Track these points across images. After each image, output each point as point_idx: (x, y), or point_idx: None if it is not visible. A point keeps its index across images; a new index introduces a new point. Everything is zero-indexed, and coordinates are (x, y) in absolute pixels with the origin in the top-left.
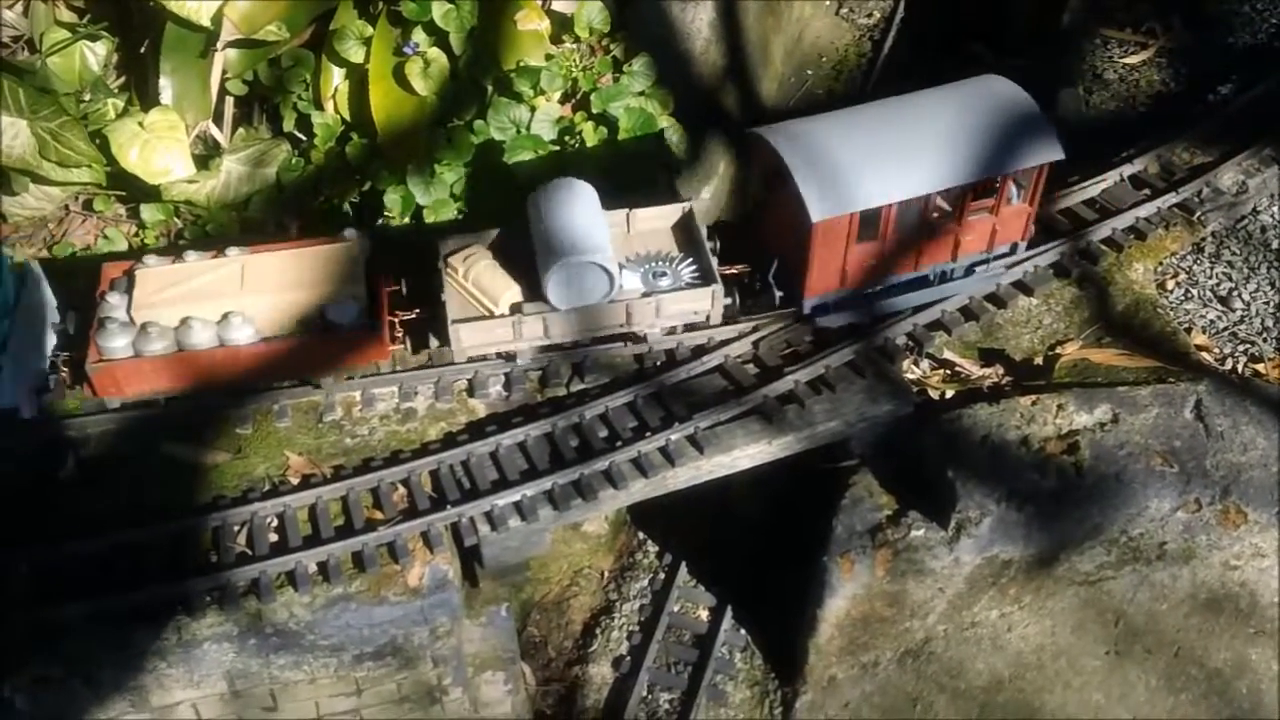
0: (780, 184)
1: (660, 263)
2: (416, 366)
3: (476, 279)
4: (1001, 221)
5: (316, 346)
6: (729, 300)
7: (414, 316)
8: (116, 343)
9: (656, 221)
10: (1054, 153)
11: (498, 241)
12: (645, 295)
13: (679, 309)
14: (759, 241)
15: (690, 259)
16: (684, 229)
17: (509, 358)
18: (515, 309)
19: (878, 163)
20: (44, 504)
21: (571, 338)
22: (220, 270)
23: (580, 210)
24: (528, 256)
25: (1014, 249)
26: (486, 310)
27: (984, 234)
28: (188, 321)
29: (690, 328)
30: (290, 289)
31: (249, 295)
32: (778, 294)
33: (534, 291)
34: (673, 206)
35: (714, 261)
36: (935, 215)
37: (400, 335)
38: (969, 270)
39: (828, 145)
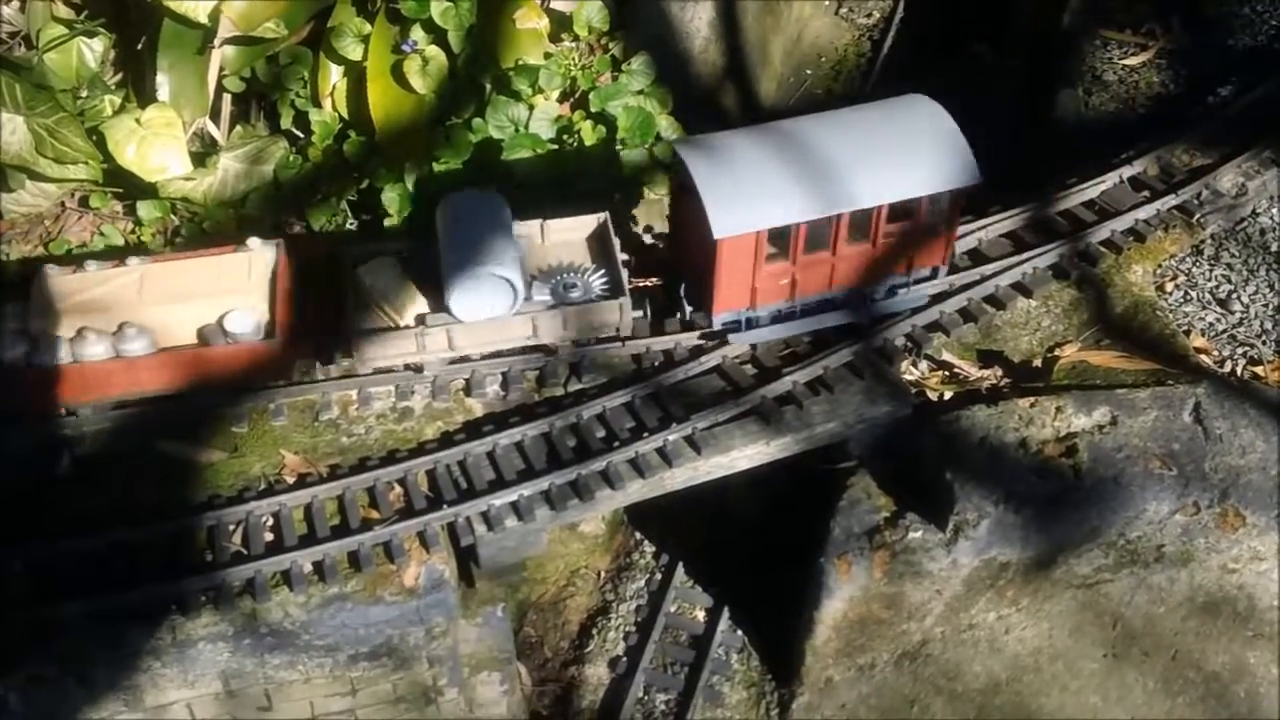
0: (691, 199)
1: (572, 275)
2: (325, 378)
3: (381, 290)
4: (920, 244)
5: (214, 358)
6: (639, 313)
7: (321, 328)
8: (11, 354)
9: (571, 232)
10: (971, 177)
11: (407, 251)
12: (552, 308)
13: (588, 321)
14: (677, 255)
15: (603, 271)
16: (600, 240)
17: (417, 369)
18: (420, 321)
19: (789, 181)
20: (39, 502)
21: (478, 350)
22: (119, 280)
23: (487, 222)
24: (436, 267)
25: (935, 273)
26: (392, 321)
27: (902, 256)
28: (83, 333)
29: (602, 341)
30: (189, 299)
31: (147, 306)
32: (687, 309)
33: (440, 303)
34: (588, 217)
35: (625, 274)
36: (849, 236)
37: (311, 345)
38: (891, 292)
39: (741, 161)
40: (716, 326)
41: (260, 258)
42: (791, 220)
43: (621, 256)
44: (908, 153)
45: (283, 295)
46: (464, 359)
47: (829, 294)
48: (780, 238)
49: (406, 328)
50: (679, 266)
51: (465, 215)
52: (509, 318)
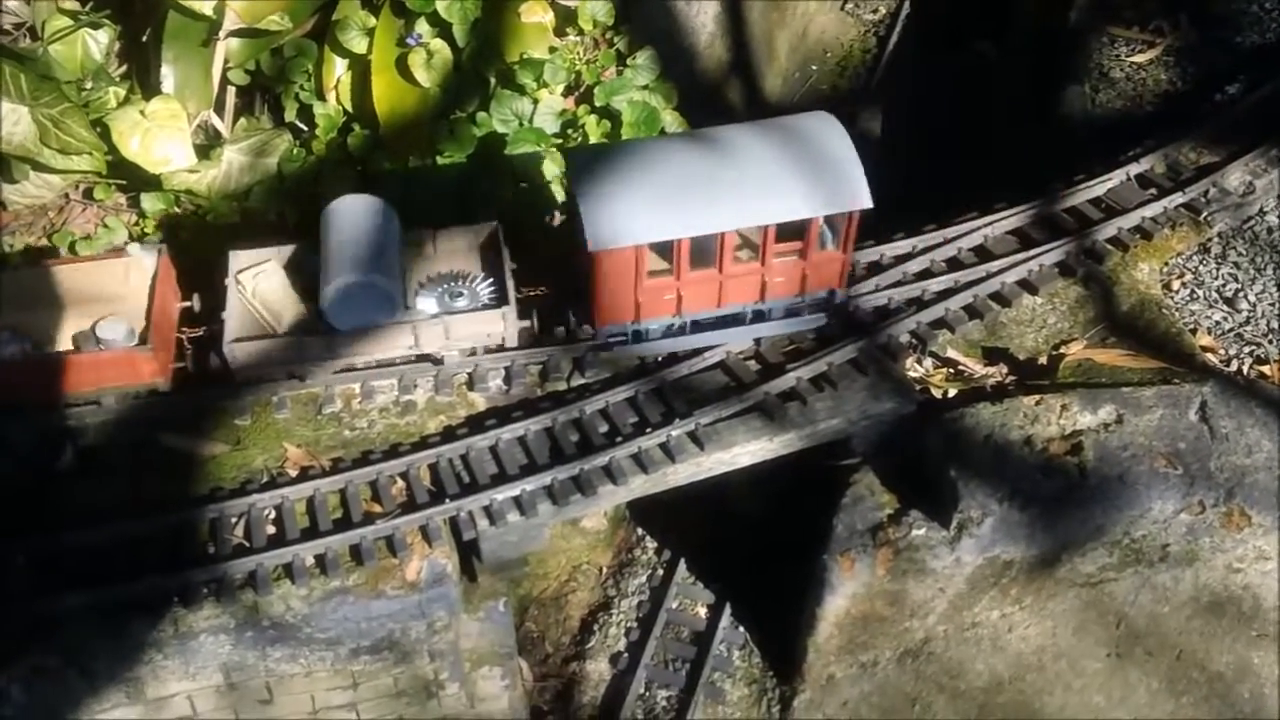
0: (576, 209)
1: (460, 283)
2: (202, 386)
3: (264, 296)
4: (812, 266)
5: (86, 364)
6: (527, 323)
7: (201, 334)
8: None
9: (462, 241)
10: (862, 201)
11: (293, 258)
12: (433, 317)
13: (470, 331)
14: (570, 265)
15: (491, 280)
16: (490, 249)
17: (300, 378)
18: (299, 328)
19: (673, 196)
20: (42, 495)
21: (359, 359)
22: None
23: (369, 229)
24: (318, 274)
25: (832, 295)
26: (271, 329)
27: (794, 277)
28: None
29: (490, 350)
30: (64, 305)
31: (23, 311)
32: (572, 320)
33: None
34: (479, 226)
35: (512, 283)
36: (736, 254)
37: (189, 353)
38: (790, 311)
39: (627, 174)
40: (601, 339)
41: (139, 265)
42: (672, 236)
43: (511, 266)
44: (800, 173)
45: (160, 302)
46: (349, 368)
47: (723, 310)
48: (664, 253)
49: (284, 335)
50: (573, 276)
51: (348, 222)
52: (389, 327)
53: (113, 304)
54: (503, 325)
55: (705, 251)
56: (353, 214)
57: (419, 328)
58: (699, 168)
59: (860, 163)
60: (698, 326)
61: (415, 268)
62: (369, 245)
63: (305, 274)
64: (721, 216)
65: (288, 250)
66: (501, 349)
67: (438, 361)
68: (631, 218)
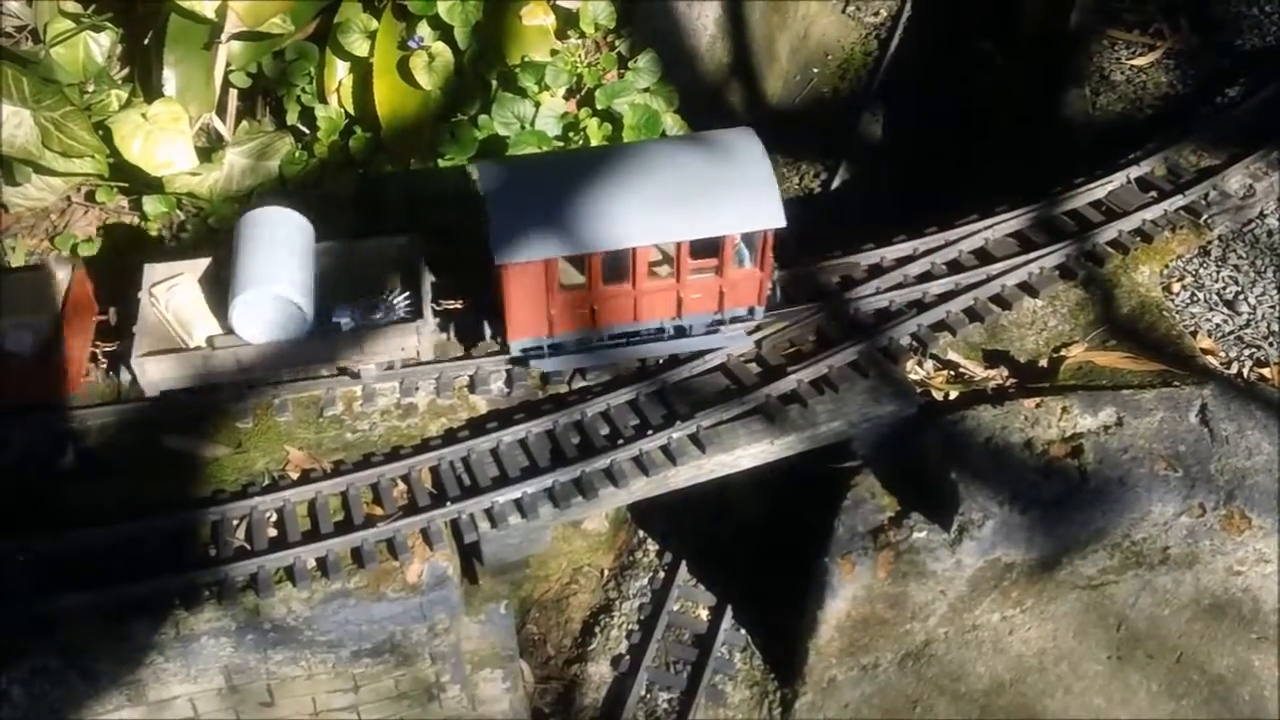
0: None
1: (377, 297)
2: (102, 402)
3: (176, 309)
4: (729, 284)
5: None
6: (444, 336)
7: (116, 347)
8: None
9: (383, 253)
10: (775, 220)
11: (209, 270)
12: (347, 331)
13: (385, 345)
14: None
15: (408, 293)
16: (409, 261)
17: (213, 391)
18: (209, 342)
19: (584, 211)
20: (44, 496)
21: (271, 373)
22: None
23: (281, 241)
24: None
25: (751, 313)
26: (183, 342)
27: (711, 294)
28: None
29: (408, 364)
30: None
31: None
32: (487, 332)
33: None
34: (399, 237)
35: (429, 296)
36: (655, 270)
37: (103, 365)
38: (712, 328)
39: (539, 188)
40: (516, 352)
41: (53, 278)
42: (581, 251)
43: (431, 279)
44: (715, 191)
45: (71, 315)
46: (263, 381)
47: (641, 325)
48: (577, 267)
49: (195, 349)
50: (488, 288)
51: (259, 234)
52: (300, 340)
53: (15, 316)
54: (417, 338)
55: (619, 266)
56: (265, 226)
57: (332, 341)
58: (614, 182)
59: (776, 182)
60: (616, 340)
61: (334, 280)
62: (279, 258)
63: (219, 286)
64: (633, 232)
65: (203, 263)
66: (419, 363)
67: (354, 375)
68: (541, 231)
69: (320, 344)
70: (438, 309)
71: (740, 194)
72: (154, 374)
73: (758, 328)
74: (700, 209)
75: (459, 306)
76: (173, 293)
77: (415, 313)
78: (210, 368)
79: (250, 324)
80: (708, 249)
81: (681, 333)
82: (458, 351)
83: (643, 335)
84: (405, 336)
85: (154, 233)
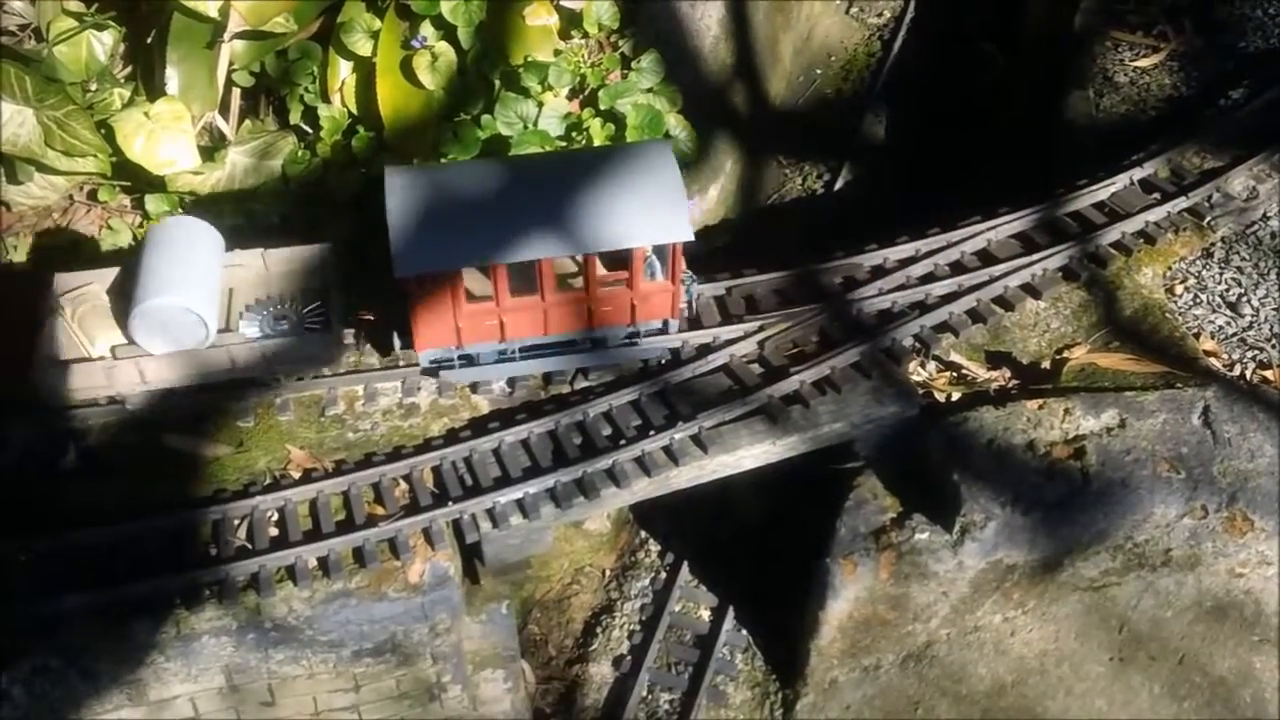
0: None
1: (285, 306)
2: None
3: (81, 320)
4: (640, 296)
5: None
6: (356, 346)
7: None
8: None
9: (295, 263)
10: (682, 234)
11: (116, 280)
12: (251, 341)
13: (293, 355)
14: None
15: (319, 303)
16: (323, 270)
17: (120, 402)
18: (113, 352)
19: (488, 222)
20: (44, 495)
21: (177, 383)
22: None
23: (185, 251)
24: None
25: (666, 326)
26: (87, 353)
27: (623, 307)
28: None
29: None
30: None
31: None
32: (397, 344)
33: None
34: (311, 247)
35: (339, 306)
36: (559, 282)
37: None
38: (629, 340)
39: (443, 197)
40: (425, 364)
41: None
42: (485, 262)
43: (343, 288)
44: (622, 203)
45: None
46: (173, 391)
47: (553, 337)
48: (484, 279)
49: (99, 359)
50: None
51: (165, 244)
52: (204, 351)
53: None
54: (324, 349)
55: (526, 278)
56: (170, 237)
57: (235, 351)
58: (522, 193)
59: (685, 196)
60: (529, 353)
61: (245, 290)
62: (180, 268)
63: (126, 297)
64: (540, 243)
65: (112, 273)
66: (330, 374)
67: (265, 385)
68: (444, 242)
69: (219, 354)
70: (352, 319)
71: (648, 207)
72: (60, 384)
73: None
74: (608, 221)
75: (370, 317)
76: (79, 303)
77: (324, 323)
78: (113, 379)
79: (150, 335)
80: (617, 262)
81: (598, 345)
82: (373, 362)
83: (557, 347)
84: (313, 347)
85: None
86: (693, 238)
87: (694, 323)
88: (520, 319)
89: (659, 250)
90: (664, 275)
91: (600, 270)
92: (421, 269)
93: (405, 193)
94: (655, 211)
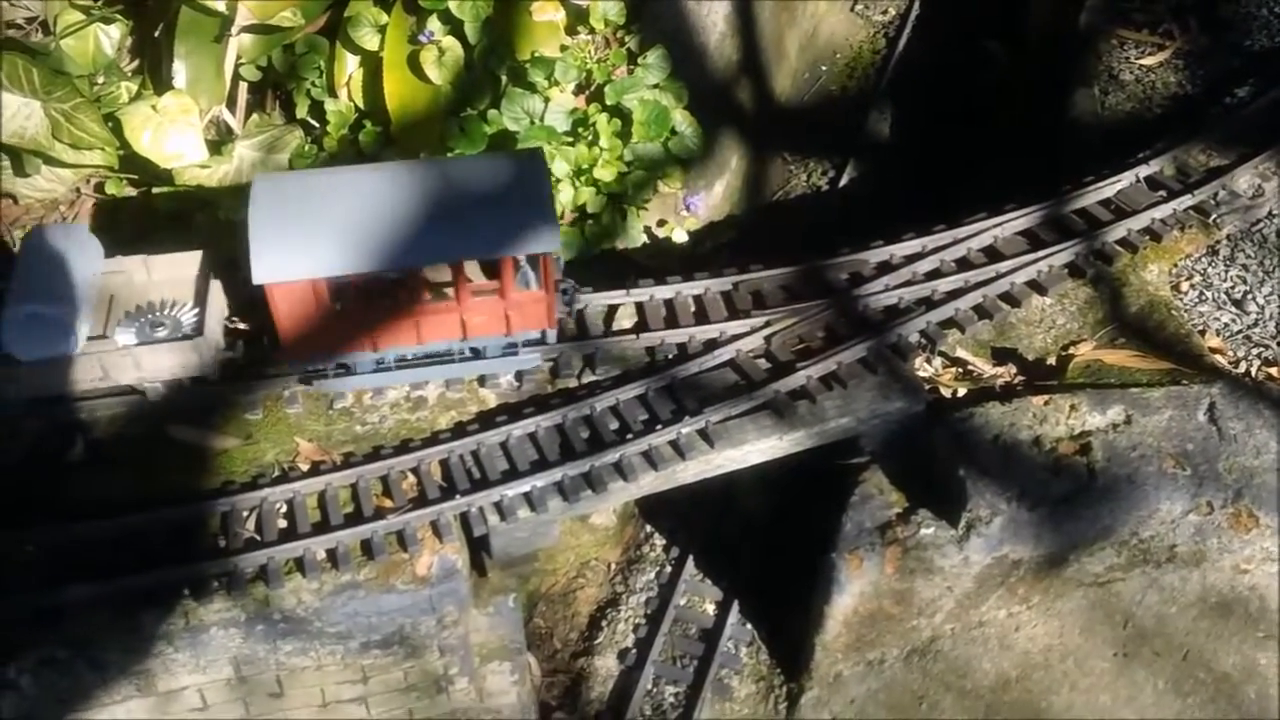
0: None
1: (162, 313)
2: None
3: None
4: (513, 306)
5: None
6: (230, 354)
7: None
8: None
9: (177, 269)
10: (547, 244)
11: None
12: (122, 348)
13: (165, 363)
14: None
15: (197, 310)
16: (207, 277)
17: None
18: None
19: (353, 230)
20: (52, 486)
21: (50, 391)
22: None
23: (58, 257)
24: None
25: (544, 336)
26: None
27: (495, 317)
28: None
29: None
30: None
31: None
32: (270, 351)
33: None
34: (191, 254)
35: (218, 313)
36: (427, 292)
37: None
38: (509, 350)
39: (309, 205)
40: (298, 373)
41: None
42: (350, 271)
43: (222, 295)
44: (489, 212)
45: None
46: (43, 400)
47: (427, 348)
48: (344, 288)
49: None
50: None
51: (37, 251)
52: (74, 358)
53: None
54: (198, 356)
55: (394, 287)
56: (42, 244)
57: (106, 359)
58: (388, 200)
59: (553, 205)
60: (405, 363)
61: (126, 298)
62: (49, 275)
63: None
64: (405, 253)
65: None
66: (206, 382)
67: (139, 393)
68: (307, 250)
69: (89, 361)
70: (230, 326)
71: (515, 216)
72: None
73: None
74: (476, 230)
75: (243, 326)
76: None
77: (199, 330)
78: None
79: (20, 341)
80: (486, 271)
81: (477, 354)
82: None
83: (434, 357)
84: (185, 354)
85: None
86: (559, 247)
87: (579, 332)
88: (392, 328)
89: (531, 260)
90: (538, 285)
91: (472, 280)
92: (280, 277)
93: (271, 199)
94: (523, 221)
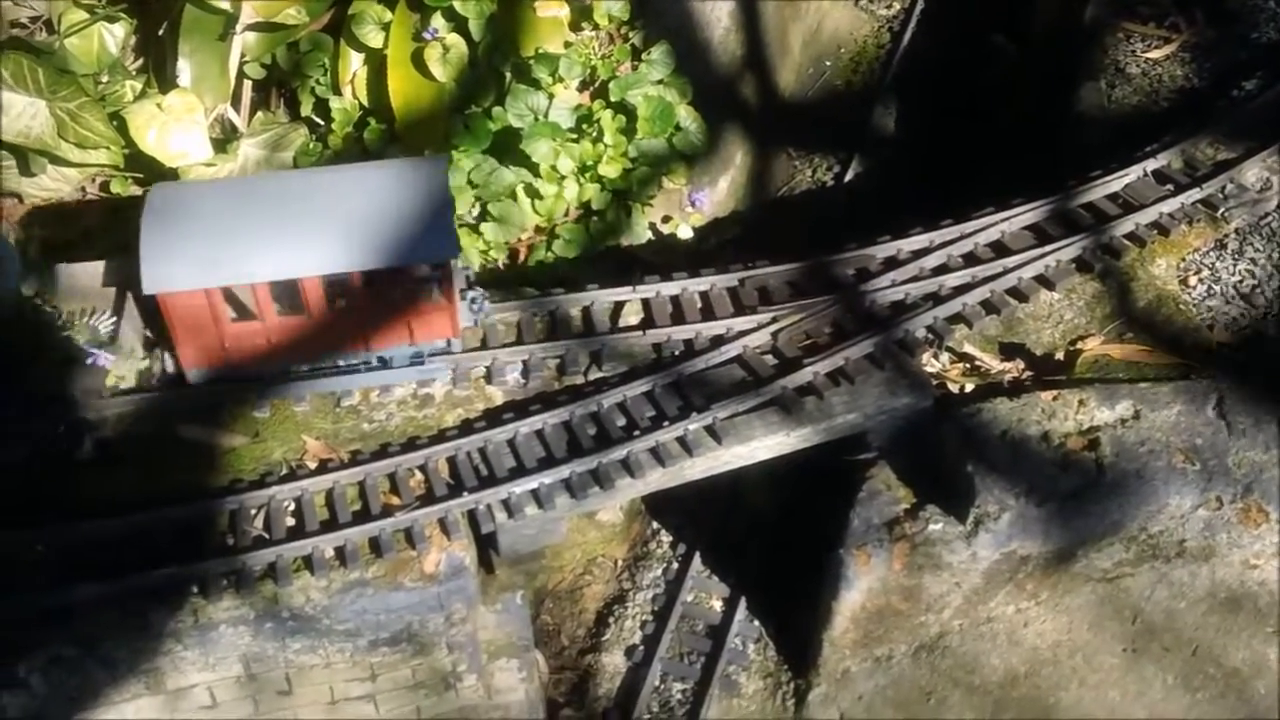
0: None
1: (82, 321)
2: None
3: None
4: (416, 316)
5: None
6: (147, 364)
7: None
8: None
9: (95, 278)
10: (444, 253)
11: None
12: None
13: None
14: None
15: (115, 319)
16: (124, 285)
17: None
18: None
19: (248, 239)
20: (61, 485)
21: None
22: None
23: None
24: None
25: (449, 344)
26: None
27: (399, 326)
28: None
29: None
30: None
31: None
32: (169, 364)
33: None
34: (112, 262)
35: (129, 321)
36: (326, 301)
37: None
38: (415, 359)
39: (203, 214)
40: (198, 383)
41: None
42: (238, 281)
43: (134, 304)
44: (387, 221)
45: None
46: None
47: (329, 358)
48: (243, 299)
49: None
50: None
51: None
52: None
53: None
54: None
55: (290, 298)
56: None
57: None
58: (284, 210)
59: (451, 214)
60: (316, 372)
61: (43, 304)
62: None
63: None
64: (300, 261)
65: None
66: (126, 392)
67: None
68: (201, 260)
69: None
70: (149, 336)
71: (415, 225)
72: None
73: None
74: (373, 239)
75: (148, 334)
76: None
77: (115, 339)
78: None
79: None
80: (384, 280)
81: (384, 364)
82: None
83: (340, 367)
84: (98, 362)
85: None
86: (459, 255)
87: (484, 343)
88: (291, 339)
89: (434, 269)
90: (440, 295)
91: (372, 289)
92: (171, 286)
93: (165, 208)
94: (422, 230)
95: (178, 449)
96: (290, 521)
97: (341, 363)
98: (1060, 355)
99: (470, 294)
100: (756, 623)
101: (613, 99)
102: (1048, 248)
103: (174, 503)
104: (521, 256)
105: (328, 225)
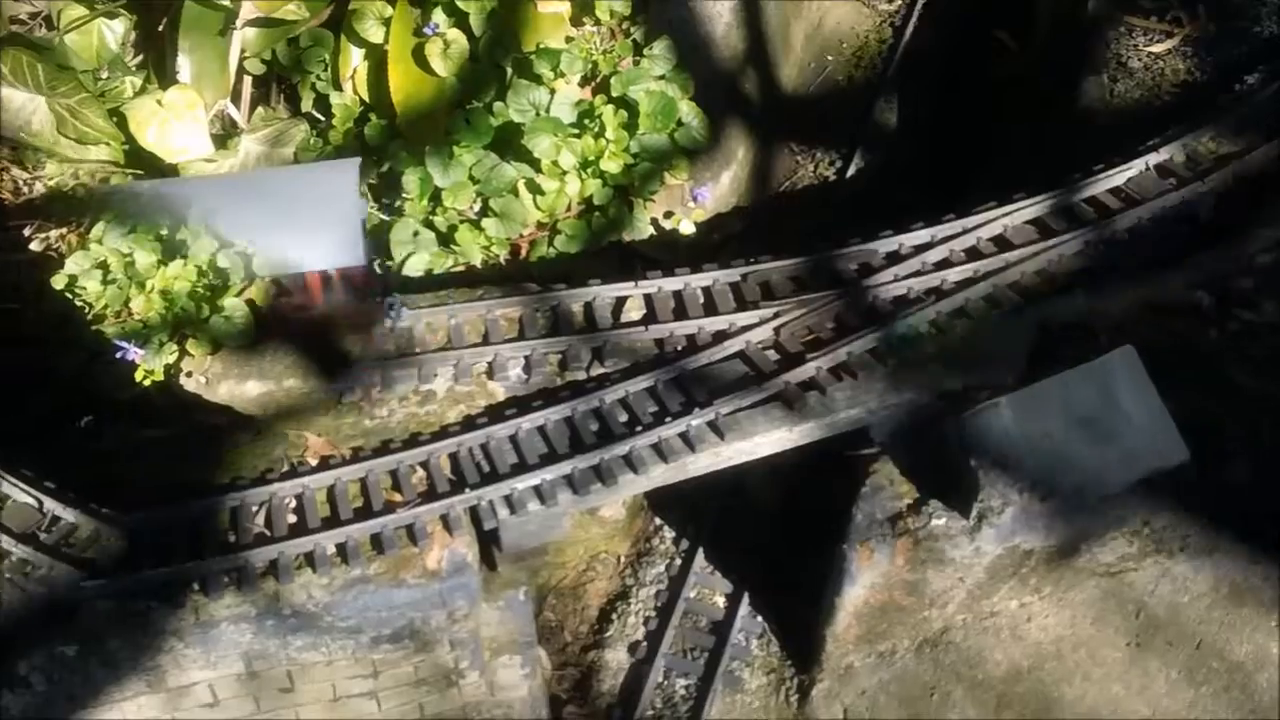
0: None
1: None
2: None
3: None
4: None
5: None
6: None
7: None
8: None
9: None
10: (353, 258)
11: None
12: None
13: None
14: None
15: None
16: None
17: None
18: None
19: None
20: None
21: None
22: None
23: None
24: None
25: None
26: None
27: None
28: None
29: None
30: None
31: None
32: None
33: None
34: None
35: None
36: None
37: None
38: None
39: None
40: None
41: None
42: None
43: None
44: (294, 226)
45: None
46: None
47: None
48: None
49: None
50: None
51: None
52: None
53: None
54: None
55: None
56: None
57: None
58: (197, 214)
59: (360, 219)
60: None
61: None
62: None
63: None
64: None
65: None
66: None
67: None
68: None
69: None
70: None
71: (321, 229)
72: None
73: None
74: (278, 244)
75: None
76: None
77: None
78: None
79: None
80: (295, 284)
81: None
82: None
83: None
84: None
85: None
86: (363, 262)
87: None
88: None
89: (345, 274)
90: (353, 299)
91: (284, 294)
92: None
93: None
94: (328, 234)
95: (179, 446)
96: (292, 518)
97: None
98: None
99: (388, 300)
100: (759, 618)
101: (614, 94)
102: (1050, 242)
103: (175, 499)
104: (523, 252)
105: (238, 230)
